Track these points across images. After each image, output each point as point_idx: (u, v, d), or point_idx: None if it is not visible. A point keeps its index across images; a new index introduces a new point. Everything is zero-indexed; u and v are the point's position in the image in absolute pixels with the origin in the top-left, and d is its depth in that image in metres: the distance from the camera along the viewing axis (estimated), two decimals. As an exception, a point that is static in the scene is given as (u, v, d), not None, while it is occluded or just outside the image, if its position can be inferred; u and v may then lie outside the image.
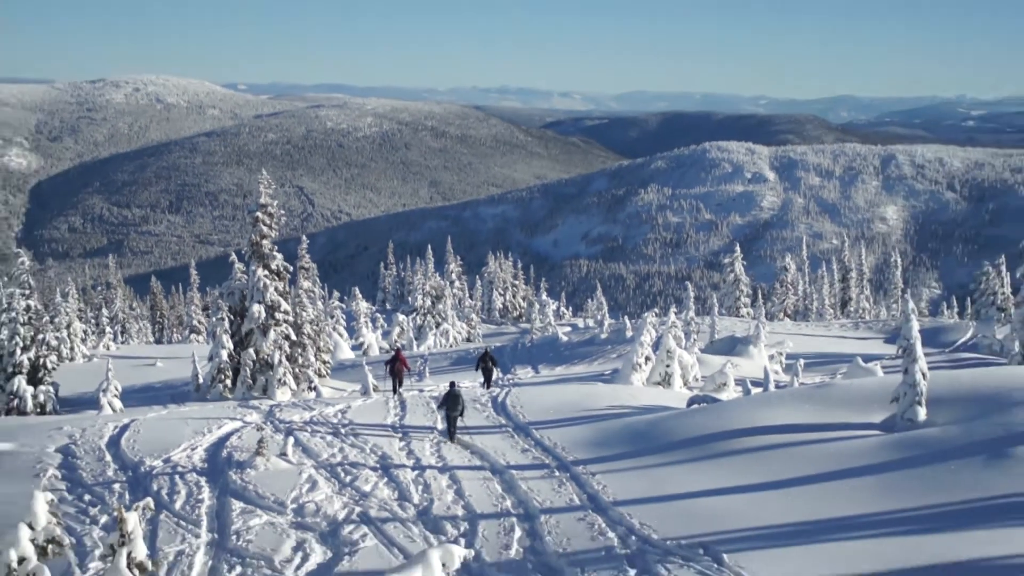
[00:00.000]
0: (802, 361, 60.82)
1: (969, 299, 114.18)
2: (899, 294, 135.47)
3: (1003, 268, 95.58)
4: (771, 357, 68.00)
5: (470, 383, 55.23)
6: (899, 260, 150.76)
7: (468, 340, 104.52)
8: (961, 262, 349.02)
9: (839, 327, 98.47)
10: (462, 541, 24.49)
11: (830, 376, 57.87)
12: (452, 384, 40.38)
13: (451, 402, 37.85)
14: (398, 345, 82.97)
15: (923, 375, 32.62)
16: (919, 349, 33.29)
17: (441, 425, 39.65)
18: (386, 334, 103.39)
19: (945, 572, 20.71)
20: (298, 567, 23.24)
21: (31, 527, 14.00)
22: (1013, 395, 32.06)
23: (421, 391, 51.36)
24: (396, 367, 53.83)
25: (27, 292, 62.84)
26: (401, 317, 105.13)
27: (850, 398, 36.18)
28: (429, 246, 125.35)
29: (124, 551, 12.83)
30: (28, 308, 62.21)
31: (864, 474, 27.87)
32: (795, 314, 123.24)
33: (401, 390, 52.14)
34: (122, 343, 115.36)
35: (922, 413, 32.05)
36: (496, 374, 54.83)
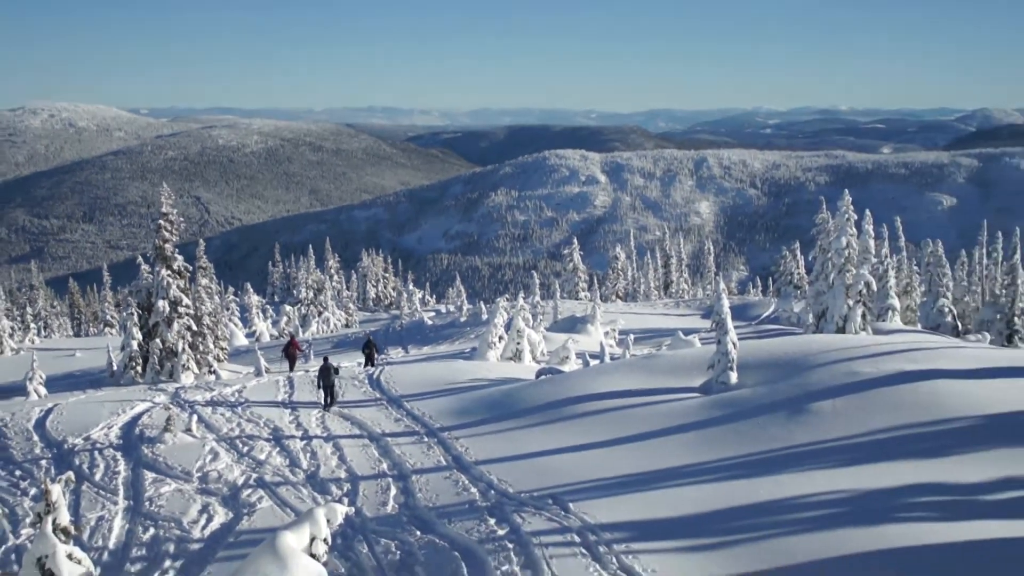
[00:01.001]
0: (632, 336, 61.19)
1: (771, 279, 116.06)
2: (712, 276, 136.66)
3: (798, 252, 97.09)
4: (606, 333, 68.36)
5: (348, 363, 55.07)
6: (712, 248, 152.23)
7: (347, 326, 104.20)
8: (763, 248, 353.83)
9: (663, 306, 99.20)
10: (345, 500, 24.48)
11: (656, 348, 58.20)
12: (325, 359, 41.43)
13: (324, 374, 38.83)
14: (289, 332, 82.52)
15: (734, 345, 33.00)
16: (730, 323, 33.69)
17: (319, 395, 40.00)
18: (275, 323, 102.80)
19: (756, 511, 20.99)
20: (204, 527, 23.12)
21: (-32, 500, 13.83)
22: (809, 360, 32.55)
23: (307, 371, 51.10)
24: (290, 351, 53.90)
25: (-41, 295, 61.85)
26: (288, 308, 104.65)
27: (673, 366, 36.50)
28: (310, 246, 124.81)
29: (49, 518, 12.70)
30: (-39, 309, 61.26)
31: (687, 431, 28.13)
32: (626, 296, 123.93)
33: (294, 370, 52.01)
34: (45, 337, 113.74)
35: (734, 377, 32.42)
36: (376, 358, 54.57)
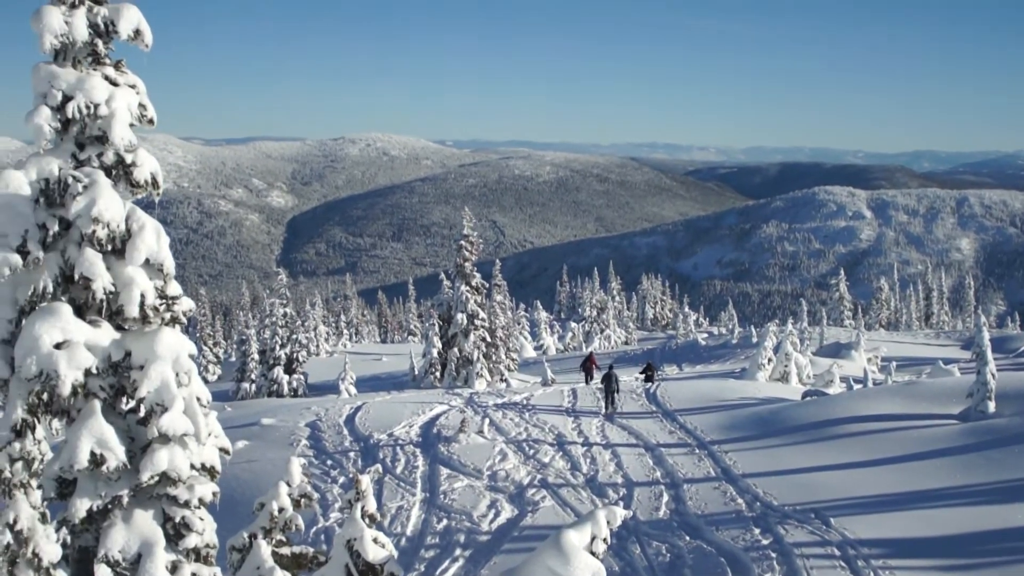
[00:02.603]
0: (894, 363, 59.90)
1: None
2: (972, 309, 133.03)
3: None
4: (869, 360, 67.02)
5: (627, 378, 55.10)
6: (971, 282, 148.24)
7: (626, 343, 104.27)
8: (1022, 284, 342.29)
9: (924, 336, 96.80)
10: (621, 504, 24.49)
11: (917, 375, 56.84)
12: (610, 367, 42.79)
13: (607, 381, 40.35)
14: (590, 349, 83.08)
15: (992, 375, 31.99)
16: (989, 354, 32.67)
17: (601, 400, 41.19)
18: (561, 338, 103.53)
19: (1010, 535, 20.33)
20: (491, 521, 23.41)
21: (288, 484, 14.20)
22: (1066, 392, 31.39)
23: (588, 383, 51.25)
24: (588, 365, 54.07)
25: (285, 302, 63.89)
26: (573, 324, 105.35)
27: (933, 393, 35.55)
28: (595, 268, 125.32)
29: (359, 505, 12.94)
30: (285, 315, 63.27)
31: (944, 455, 27.40)
32: (888, 325, 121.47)
33: (590, 383, 52.02)
34: (356, 342, 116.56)
35: (992, 406, 31.42)
36: (655, 375, 53.55)
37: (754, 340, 73.35)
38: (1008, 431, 28.60)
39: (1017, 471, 25.14)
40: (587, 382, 51.15)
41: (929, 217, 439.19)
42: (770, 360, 55.56)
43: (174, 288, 11.95)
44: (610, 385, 40.87)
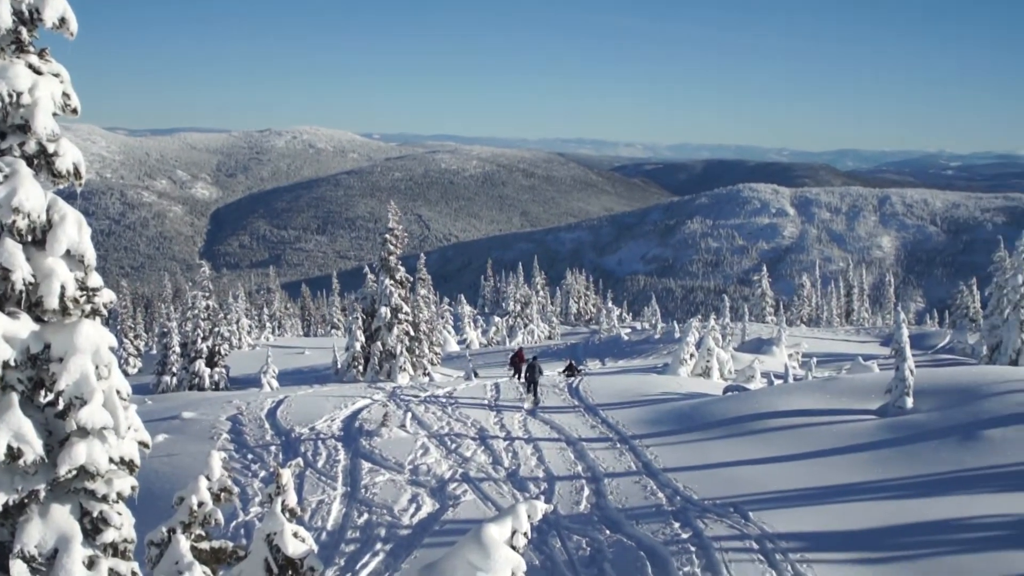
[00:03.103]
0: (815, 359, 60.56)
1: (947, 311, 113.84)
2: (892, 306, 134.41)
3: (975, 288, 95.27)
4: (790, 355, 67.70)
5: (550, 372, 55.25)
6: (892, 280, 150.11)
7: (549, 338, 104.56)
8: (941, 282, 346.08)
9: (844, 332, 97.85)
10: (543, 498, 24.59)
11: (837, 371, 57.46)
12: (534, 357, 43.63)
13: (531, 371, 41.86)
14: (519, 345, 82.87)
15: (911, 371, 32.41)
16: (908, 351, 33.09)
17: (523, 393, 42.33)
18: (484, 332, 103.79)
19: (925, 529, 20.60)
20: (413, 515, 23.44)
21: (208, 479, 14.15)
22: (982, 389, 31.81)
23: (511, 378, 51.31)
24: (517, 360, 54.25)
25: (207, 294, 63.52)
26: (497, 319, 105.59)
27: (852, 389, 35.95)
28: (520, 263, 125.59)
29: (279, 499, 12.94)
30: (207, 307, 62.93)
31: (862, 450, 27.73)
32: (809, 321, 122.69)
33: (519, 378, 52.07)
34: (278, 335, 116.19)
35: (910, 402, 31.82)
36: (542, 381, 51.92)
37: (677, 335, 73.85)
38: (925, 427, 28.97)
39: (933, 466, 25.48)
40: (517, 378, 51.24)
41: (851, 215, 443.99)
42: (692, 355, 55.97)
43: (95, 280, 11.87)
44: (533, 376, 41.79)
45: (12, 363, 10.89)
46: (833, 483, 24.85)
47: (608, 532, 21.64)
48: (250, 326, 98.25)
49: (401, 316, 57.98)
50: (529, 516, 11.63)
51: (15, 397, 11.03)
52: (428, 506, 24.16)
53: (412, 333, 59.06)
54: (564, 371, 53.29)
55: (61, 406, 11.12)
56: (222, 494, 14.55)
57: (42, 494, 11.35)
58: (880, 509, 22.34)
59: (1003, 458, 25.28)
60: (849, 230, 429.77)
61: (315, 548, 13.41)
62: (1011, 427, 27.24)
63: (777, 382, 47.84)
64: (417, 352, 59.86)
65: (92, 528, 11.74)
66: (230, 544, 14.43)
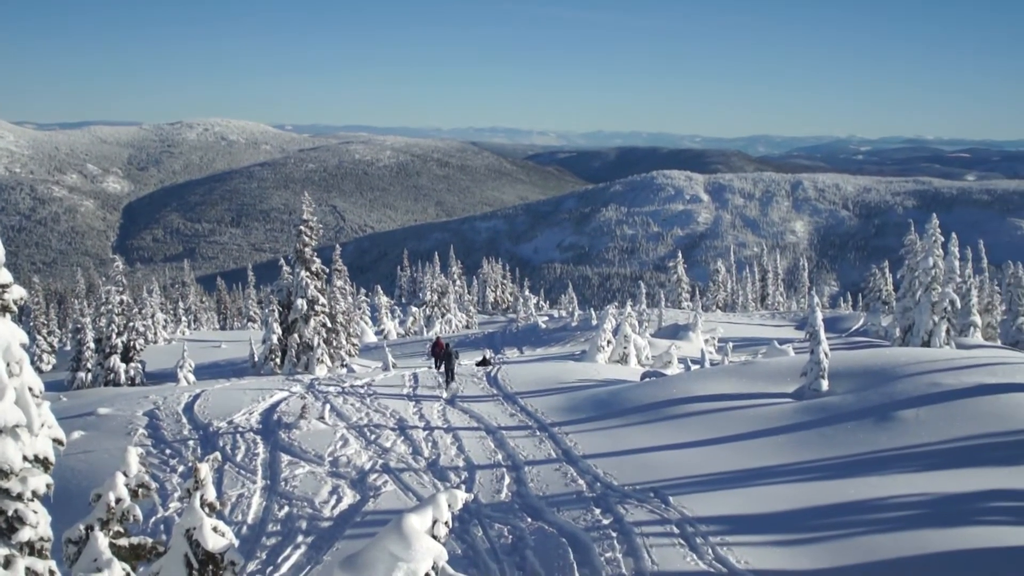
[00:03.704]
0: (731, 344, 60.98)
1: (860, 295, 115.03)
2: (806, 291, 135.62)
3: (887, 271, 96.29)
4: (706, 340, 68.08)
5: (467, 362, 55.21)
6: (806, 264, 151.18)
7: (467, 327, 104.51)
8: (854, 265, 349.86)
9: (759, 317, 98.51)
10: (463, 487, 24.59)
11: (752, 356, 57.86)
12: (447, 344, 44.21)
13: (447, 358, 42.54)
14: (437, 334, 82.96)
15: (825, 355, 32.68)
16: (822, 334, 33.36)
17: (441, 377, 43.33)
18: (402, 323, 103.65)
19: (843, 509, 20.81)
20: (333, 507, 23.36)
21: (125, 474, 14.01)
22: (895, 370, 32.20)
23: (430, 368, 51.19)
24: (436, 350, 54.13)
25: (121, 289, 62.87)
26: (414, 309, 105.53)
27: (768, 373, 36.21)
28: (436, 253, 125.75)
29: (198, 494, 12.84)
30: (122, 302, 62.29)
31: (779, 433, 27.96)
32: (725, 307, 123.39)
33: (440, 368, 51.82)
34: (194, 329, 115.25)
35: (825, 385, 32.11)
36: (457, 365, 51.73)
37: (593, 323, 74.03)
38: (840, 409, 29.27)
39: (849, 447, 25.77)
40: (437, 367, 51.00)
41: (765, 200, 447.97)
42: (609, 342, 56.12)
43: (4, 276, 11.70)
44: (449, 363, 42.38)
45: (-79, 361, 10.71)
46: (751, 466, 25.05)
47: (529, 520, 21.68)
48: (165, 320, 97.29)
49: (318, 308, 57.74)
50: (450, 505, 11.63)
51: (-75, 396, 10.84)
52: (349, 497, 24.08)
53: (329, 325, 58.85)
54: (479, 363, 53.24)
55: (-28, 404, 10.95)
56: (140, 490, 14.41)
57: (-45, 494, 11.19)
58: (798, 491, 22.55)
59: (916, 439, 25.60)
60: (763, 215, 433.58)
61: (235, 542, 13.32)
62: (924, 408, 27.59)
63: (694, 367, 48.07)
64: (334, 343, 59.66)
65: (7, 527, 11.60)
66: (149, 540, 14.30)
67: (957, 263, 65.36)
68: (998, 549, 18.15)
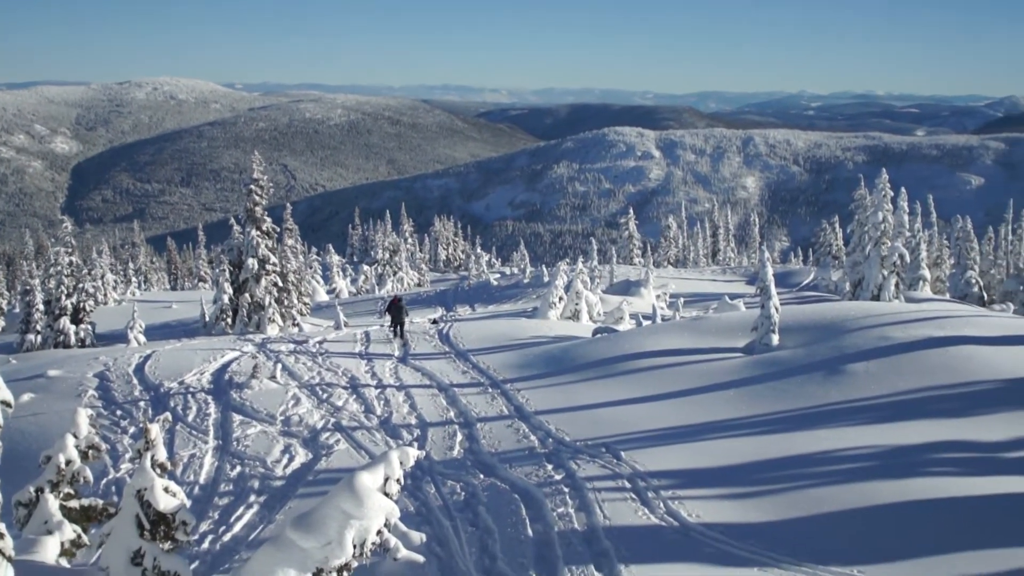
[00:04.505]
0: (682, 299, 61.13)
1: (811, 249, 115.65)
2: (757, 246, 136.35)
3: (837, 225, 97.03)
4: (658, 296, 68.24)
5: (420, 320, 55.17)
6: (756, 219, 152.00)
7: (419, 285, 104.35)
8: (804, 221, 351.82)
9: (711, 272, 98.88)
10: (416, 444, 24.59)
11: (704, 311, 58.03)
12: (398, 298, 44.10)
13: (396, 311, 42.85)
14: (392, 294, 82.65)
15: (776, 309, 32.89)
16: (773, 289, 33.56)
17: (389, 329, 43.98)
18: (354, 281, 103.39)
19: (792, 462, 20.98)
20: (286, 466, 23.29)
21: (75, 436, 13.97)
22: (845, 324, 32.44)
23: (382, 326, 51.09)
24: (392, 308, 54.05)
25: (70, 250, 62.46)
26: (366, 267, 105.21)
27: (719, 328, 36.38)
28: (387, 211, 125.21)
29: (148, 455, 12.79)
30: (71, 263, 61.91)
31: (730, 387, 28.10)
32: (676, 262, 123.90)
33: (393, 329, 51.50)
34: (145, 290, 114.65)
35: (775, 339, 32.32)
36: (408, 322, 51.76)
37: (545, 280, 74.08)
38: (790, 363, 29.48)
39: (798, 400, 25.97)
40: (392, 326, 50.76)
41: (716, 156, 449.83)
42: (561, 299, 56.15)
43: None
44: (399, 316, 42.78)
45: None
46: (702, 421, 25.19)
47: (482, 476, 21.71)
48: (115, 281, 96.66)
49: (269, 267, 57.51)
50: (401, 463, 11.65)
51: None
52: (301, 456, 24.05)
53: (280, 284, 58.65)
54: (432, 321, 53.25)
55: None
56: (90, 451, 14.37)
57: (-98, 457, 11.13)
58: (748, 444, 22.71)
59: (866, 392, 25.83)
60: (714, 171, 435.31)
61: (187, 502, 13.30)
62: (873, 361, 27.84)
63: (645, 323, 48.15)
64: (286, 303, 59.47)
65: (-45, 490, 11.53)
66: (100, 502, 14.28)
67: (906, 217, 65.83)
68: (944, 500, 18.35)
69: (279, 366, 35.08)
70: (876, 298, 59.34)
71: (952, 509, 17.99)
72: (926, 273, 70.01)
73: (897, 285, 60.56)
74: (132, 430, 27.04)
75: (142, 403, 30.48)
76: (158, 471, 12.86)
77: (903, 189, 65.71)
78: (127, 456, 24.50)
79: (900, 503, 18.27)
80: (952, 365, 26.72)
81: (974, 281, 77.16)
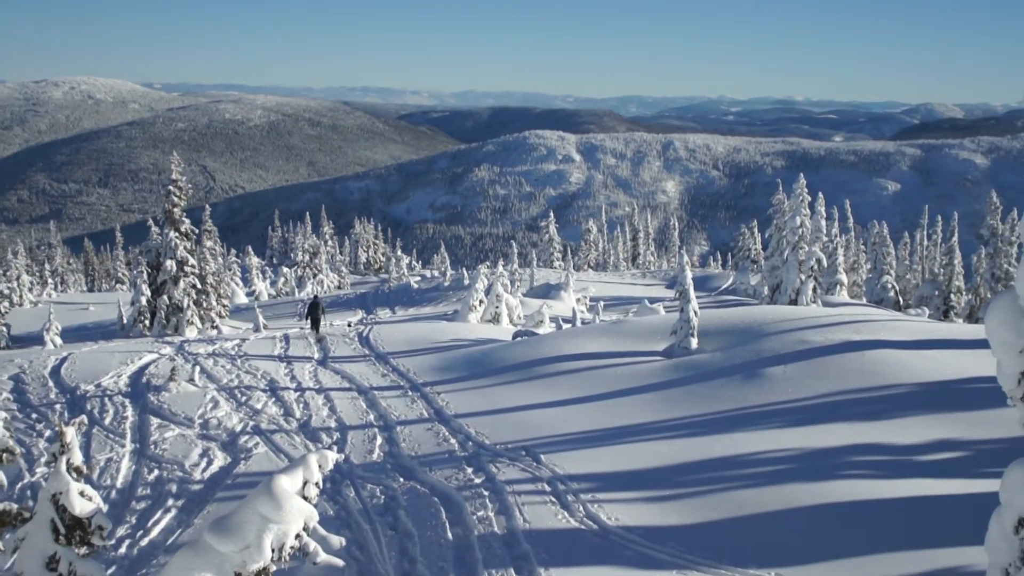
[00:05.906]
0: (602, 303, 61.36)
1: (730, 254, 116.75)
2: (676, 250, 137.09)
3: (755, 230, 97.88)
4: (578, 300, 68.38)
5: (339, 322, 55.04)
6: (676, 223, 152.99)
7: (339, 288, 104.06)
8: (724, 225, 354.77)
9: (631, 276, 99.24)
10: (335, 448, 24.52)
11: (624, 314, 58.28)
12: (315, 296, 45.53)
13: (313, 308, 44.09)
14: (315, 294, 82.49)
15: (695, 313, 33.07)
16: (692, 293, 33.75)
17: (308, 328, 44.85)
18: (273, 283, 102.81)
19: (712, 465, 21.10)
20: (204, 470, 23.12)
21: (-12, 440, 13.79)
22: (764, 328, 32.71)
23: (302, 329, 50.89)
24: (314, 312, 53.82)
25: (-17, 251, 61.77)
26: (286, 270, 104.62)
27: (639, 331, 36.55)
28: (307, 213, 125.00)
29: (64, 458, 12.66)
30: (-16, 264, 61.22)
31: (650, 391, 28.22)
32: (596, 266, 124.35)
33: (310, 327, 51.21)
34: (61, 292, 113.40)
35: (694, 343, 32.50)
36: (325, 322, 51.69)
37: (466, 282, 74.13)
38: (709, 366, 29.67)
39: (718, 404, 26.12)
40: (312, 328, 50.39)
41: (636, 160, 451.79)
42: (481, 302, 56.19)
43: None
44: (315, 313, 43.62)
45: None
46: (622, 424, 25.28)
47: (402, 480, 21.67)
48: (31, 283, 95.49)
49: (187, 269, 57.16)
50: (320, 466, 11.62)
51: None
52: (220, 460, 23.89)
53: (199, 286, 58.30)
54: (350, 324, 53.07)
55: None
56: (4, 455, 14.20)
57: None
58: (668, 447, 22.82)
59: (784, 395, 26.05)
60: (634, 175, 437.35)
61: (103, 506, 13.18)
62: (791, 364, 28.09)
63: (565, 326, 48.31)
64: (205, 305, 59.12)
65: None
66: (15, 506, 14.09)
67: (824, 222, 66.38)
68: (861, 502, 18.54)
69: (197, 369, 34.95)
70: (794, 302, 59.92)
71: (869, 511, 18.18)
72: (843, 277, 70.76)
73: (815, 289, 61.19)
74: (48, 433, 26.74)
75: (58, 406, 30.16)
76: (74, 475, 12.72)
77: (821, 194, 66.29)
78: (42, 460, 24.20)
79: (818, 505, 18.45)
80: (869, 369, 26.99)
81: (890, 286, 78.10)
